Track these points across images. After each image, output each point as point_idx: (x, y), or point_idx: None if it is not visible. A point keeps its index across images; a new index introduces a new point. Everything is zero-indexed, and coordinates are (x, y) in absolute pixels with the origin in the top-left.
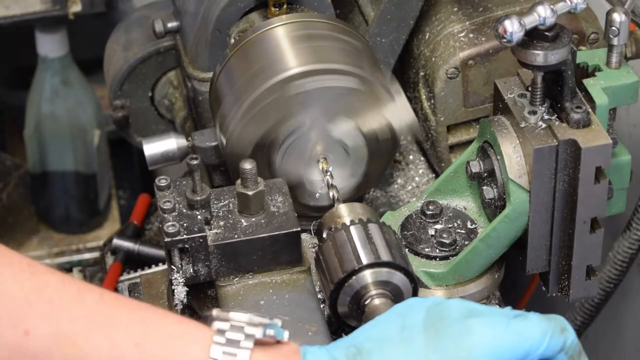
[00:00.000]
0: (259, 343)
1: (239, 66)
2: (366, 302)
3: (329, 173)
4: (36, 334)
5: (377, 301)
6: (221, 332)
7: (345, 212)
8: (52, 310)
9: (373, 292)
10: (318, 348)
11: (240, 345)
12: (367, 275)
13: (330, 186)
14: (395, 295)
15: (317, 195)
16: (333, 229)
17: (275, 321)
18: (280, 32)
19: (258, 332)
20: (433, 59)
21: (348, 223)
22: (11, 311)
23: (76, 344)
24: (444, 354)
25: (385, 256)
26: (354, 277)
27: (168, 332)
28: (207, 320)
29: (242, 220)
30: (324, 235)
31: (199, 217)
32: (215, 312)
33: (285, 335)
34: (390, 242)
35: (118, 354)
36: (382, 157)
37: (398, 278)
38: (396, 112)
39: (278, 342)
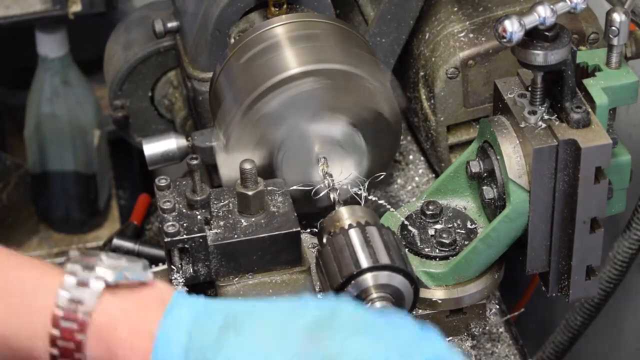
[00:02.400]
0: (114, 287)
1: (238, 66)
2: (367, 306)
3: (329, 174)
4: None
5: (378, 304)
6: (72, 274)
7: (345, 215)
8: None
9: (374, 295)
10: (189, 302)
11: (89, 289)
12: (367, 279)
13: (331, 189)
14: (396, 298)
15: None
16: (332, 234)
17: (136, 263)
18: (280, 32)
19: (109, 275)
20: (433, 59)
21: (346, 227)
22: None
23: None
24: None
25: (384, 259)
26: (353, 281)
27: (17, 274)
28: (65, 261)
29: (242, 220)
30: (324, 241)
31: (199, 217)
32: (72, 253)
33: (148, 276)
34: (389, 244)
35: None
36: (381, 157)
37: (398, 280)
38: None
39: (143, 284)
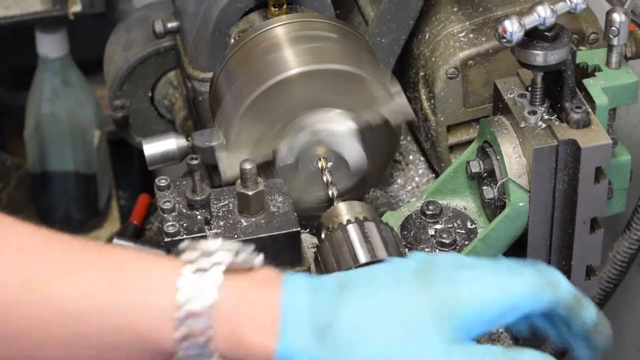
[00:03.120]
0: (230, 271)
1: (239, 66)
2: None
3: (327, 171)
4: (3, 282)
5: None
6: (190, 261)
7: (343, 211)
8: (21, 258)
9: None
10: (299, 277)
11: (209, 275)
12: None
13: (329, 184)
14: None
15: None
16: (330, 229)
17: (247, 246)
18: (280, 32)
19: (227, 258)
20: (433, 59)
21: (345, 222)
22: None
23: (44, 288)
24: (431, 298)
25: (382, 254)
26: None
27: (138, 267)
28: (176, 252)
29: (242, 220)
30: (322, 236)
31: (198, 217)
32: (183, 243)
33: (258, 260)
34: (387, 239)
35: (85, 292)
36: (381, 157)
37: None
38: (395, 110)
39: (251, 269)
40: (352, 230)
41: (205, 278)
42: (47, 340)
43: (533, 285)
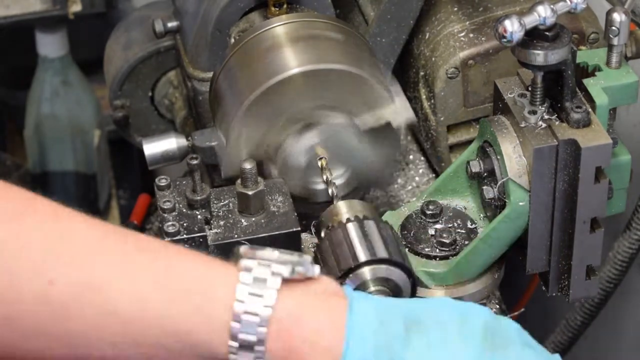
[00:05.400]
0: (288, 281)
1: (239, 66)
2: None
3: (327, 170)
4: (60, 283)
5: None
6: (248, 269)
7: (343, 210)
8: (77, 258)
9: (372, 289)
10: (366, 301)
11: (267, 284)
12: (365, 273)
13: (329, 183)
14: (394, 292)
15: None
16: (330, 228)
17: (305, 257)
18: (280, 32)
19: (285, 271)
20: (433, 58)
21: (345, 221)
22: (35, 261)
23: (100, 290)
24: None
25: (382, 252)
26: (351, 274)
27: (193, 273)
28: (234, 256)
29: (242, 220)
30: (322, 235)
31: (199, 216)
32: (242, 249)
33: (316, 270)
34: (387, 238)
35: (141, 296)
36: (382, 158)
37: (396, 274)
38: (396, 111)
39: (308, 279)
40: (352, 229)
41: (264, 289)
42: (99, 340)
43: None
